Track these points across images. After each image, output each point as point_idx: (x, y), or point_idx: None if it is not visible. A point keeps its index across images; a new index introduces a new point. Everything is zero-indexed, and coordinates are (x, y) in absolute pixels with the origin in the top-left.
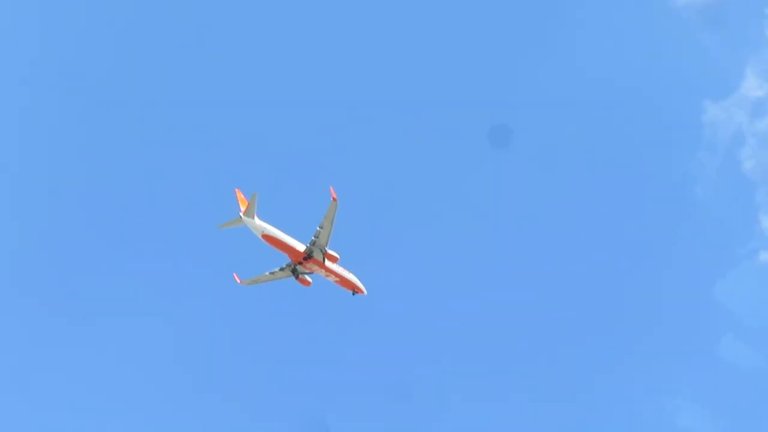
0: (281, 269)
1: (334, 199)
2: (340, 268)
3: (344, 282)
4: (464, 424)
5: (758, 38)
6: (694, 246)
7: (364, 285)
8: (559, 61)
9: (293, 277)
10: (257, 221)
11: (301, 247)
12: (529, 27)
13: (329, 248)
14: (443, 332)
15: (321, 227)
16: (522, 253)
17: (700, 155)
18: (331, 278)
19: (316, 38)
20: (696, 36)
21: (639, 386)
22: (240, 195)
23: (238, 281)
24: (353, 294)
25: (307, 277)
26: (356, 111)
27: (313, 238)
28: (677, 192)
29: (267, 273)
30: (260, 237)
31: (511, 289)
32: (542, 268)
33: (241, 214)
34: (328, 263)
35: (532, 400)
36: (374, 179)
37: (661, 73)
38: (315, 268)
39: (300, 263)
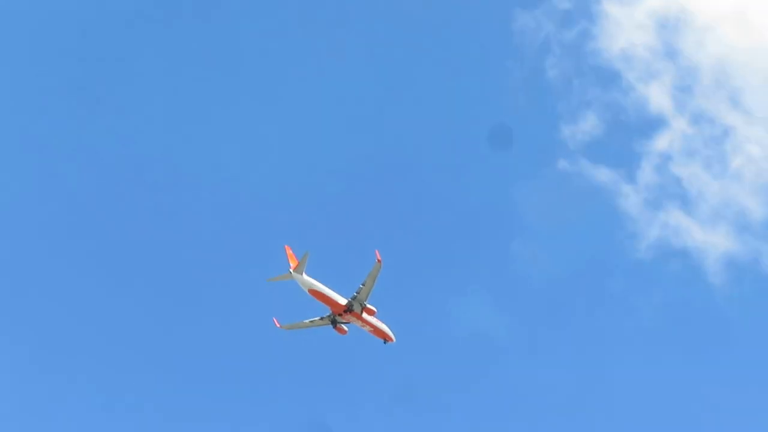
0: (321, 318)
1: (378, 261)
2: (376, 319)
3: (377, 332)
4: None
5: None
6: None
7: (394, 334)
8: None
9: (331, 326)
10: (305, 277)
11: (343, 301)
12: None
13: (368, 303)
14: None
15: (363, 284)
16: None
17: (508, 64)
18: (367, 328)
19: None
20: None
21: (433, 287)
22: (289, 251)
23: (278, 325)
24: (384, 342)
25: (344, 327)
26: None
27: (355, 293)
28: (485, 99)
29: (307, 321)
30: (307, 291)
31: None
32: None
33: (291, 270)
34: (365, 315)
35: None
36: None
37: None
38: (353, 319)
39: (340, 314)
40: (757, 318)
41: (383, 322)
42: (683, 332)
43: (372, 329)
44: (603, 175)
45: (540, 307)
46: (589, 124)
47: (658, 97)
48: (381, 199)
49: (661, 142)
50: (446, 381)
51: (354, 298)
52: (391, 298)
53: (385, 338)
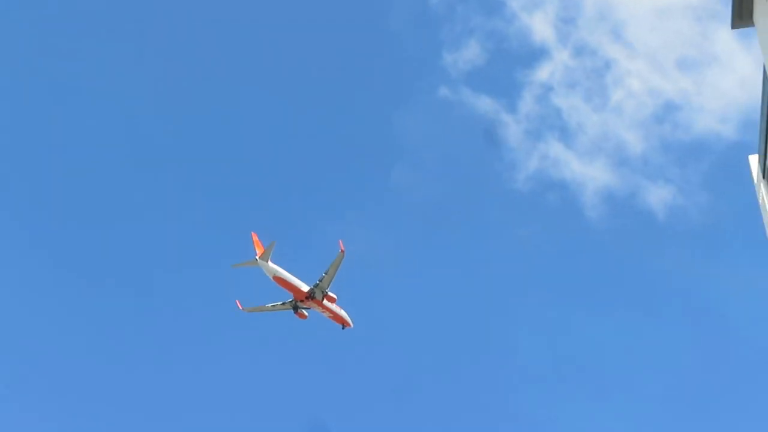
0: (283, 303)
1: (342, 251)
2: (336, 306)
3: (336, 317)
4: None
5: None
6: (381, 77)
7: (352, 320)
8: None
9: (292, 311)
10: (270, 264)
11: (305, 288)
12: None
13: (329, 290)
14: None
15: (326, 273)
16: None
17: None
18: (326, 314)
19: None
20: None
21: (314, 211)
22: (255, 238)
23: (240, 308)
24: (342, 328)
25: (305, 312)
26: None
27: (317, 281)
28: (366, 25)
29: (269, 305)
30: (271, 278)
31: None
32: None
33: (257, 257)
34: (326, 302)
35: None
36: None
37: None
38: (314, 305)
39: (302, 301)
40: (632, 251)
41: (342, 309)
42: (557, 264)
43: (331, 315)
44: (484, 103)
45: (418, 229)
46: (471, 53)
47: (541, 27)
48: (267, 126)
49: (543, 72)
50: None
51: (316, 285)
52: (276, 221)
53: (344, 324)
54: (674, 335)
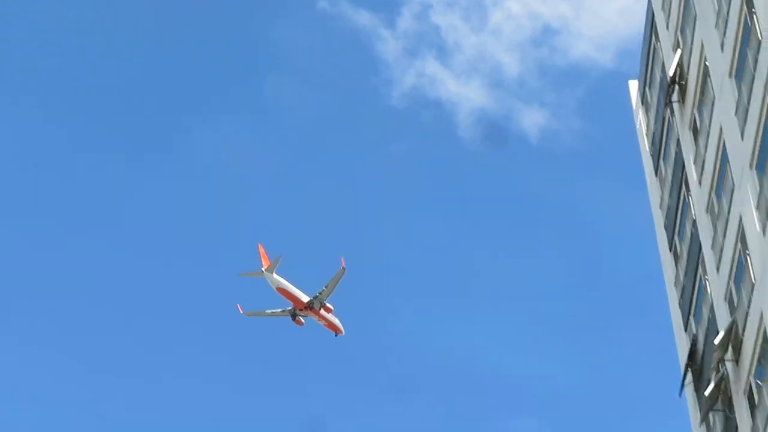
0: (282, 311)
1: (342, 268)
2: (331, 315)
3: (330, 325)
4: None
5: None
6: None
7: (344, 328)
8: None
9: (290, 318)
10: (275, 276)
11: (305, 299)
12: None
13: (326, 302)
14: None
15: (326, 287)
16: None
17: None
18: (322, 322)
19: None
20: None
21: (185, 115)
22: (262, 250)
23: (241, 311)
24: (335, 335)
25: (302, 319)
26: None
27: (317, 294)
28: None
29: (269, 311)
30: (275, 289)
31: None
32: None
33: (263, 269)
34: (323, 312)
35: None
36: None
37: None
38: (311, 314)
39: (301, 309)
40: (502, 174)
41: (337, 318)
42: (429, 183)
43: (326, 323)
44: (363, 18)
45: (294, 143)
46: None
47: None
48: (149, 37)
49: None
50: (195, 205)
51: (316, 297)
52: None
53: (336, 331)
54: (545, 255)
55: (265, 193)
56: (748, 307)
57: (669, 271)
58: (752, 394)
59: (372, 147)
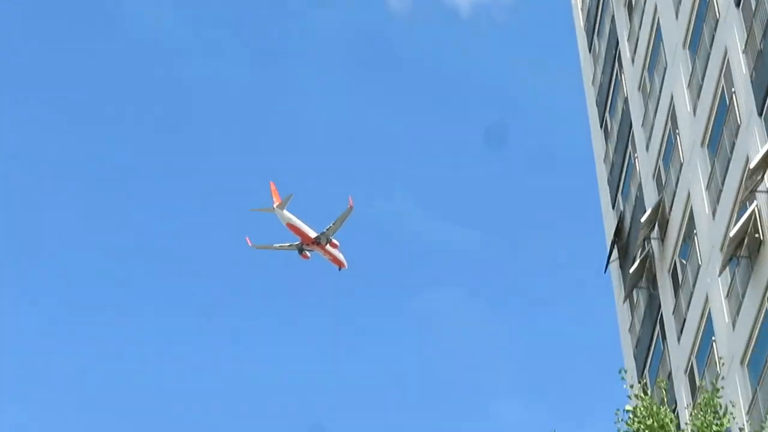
0: (290, 245)
1: (350, 207)
2: (336, 251)
3: (335, 260)
4: None
5: None
6: None
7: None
8: None
9: (297, 252)
10: (285, 213)
11: (313, 235)
12: None
13: (333, 237)
14: None
15: (333, 224)
16: None
17: None
18: (327, 257)
19: None
20: None
21: None
22: (273, 187)
23: (249, 244)
24: (339, 269)
25: (308, 254)
26: None
27: (324, 230)
28: None
29: (277, 245)
30: (285, 225)
31: None
32: None
33: (274, 206)
34: (329, 247)
35: None
36: None
37: None
38: (317, 249)
39: (308, 245)
40: (432, 48)
41: (341, 252)
42: (350, 49)
43: (331, 258)
44: None
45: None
46: None
47: None
48: None
49: None
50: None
51: (323, 233)
52: None
53: (340, 265)
54: (471, 128)
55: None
56: (676, 185)
57: (599, 147)
58: (676, 272)
59: (297, 13)
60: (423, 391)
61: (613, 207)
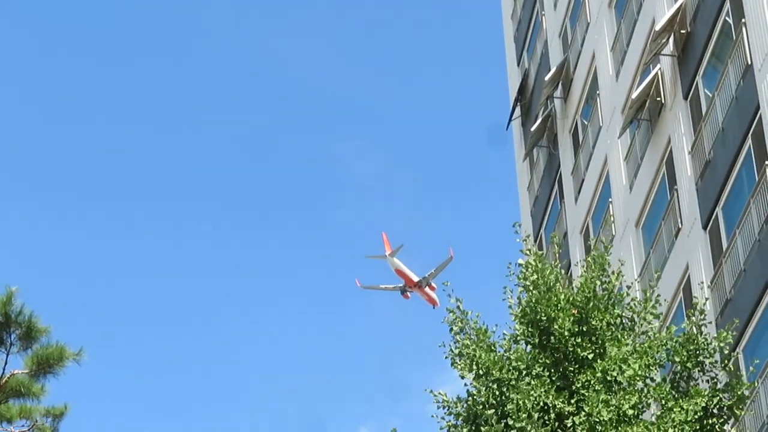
0: (394, 287)
1: (450, 257)
2: (433, 293)
3: (430, 300)
4: None
5: None
6: None
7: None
8: None
9: (399, 293)
10: (395, 260)
11: (416, 279)
12: None
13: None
14: None
15: (434, 270)
16: None
17: None
18: (424, 297)
19: None
20: None
21: None
22: (385, 238)
23: (358, 285)
24: (433, 308)
25: (409, 294)
26: None
27: (426, 275)
28: None
29: (383, 285)
30: (394, 270)
31: None
32: None
33: (387, 254)
34: (427, 289)
35: None
36: None
37: None
38: (417, 290)
39: (410, 287)
40: None
41: (435, 294)
42: None
43: (427, 298)
44: None
45: None
46: None
47: None
48: None
49: None
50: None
51: (424, 278)
52: None
53: (434, 304)
54: None
55: None
56: (582, 45)
57: (507, 4)
58: (577, 132)
59: None
60: None
61: (518, 64)
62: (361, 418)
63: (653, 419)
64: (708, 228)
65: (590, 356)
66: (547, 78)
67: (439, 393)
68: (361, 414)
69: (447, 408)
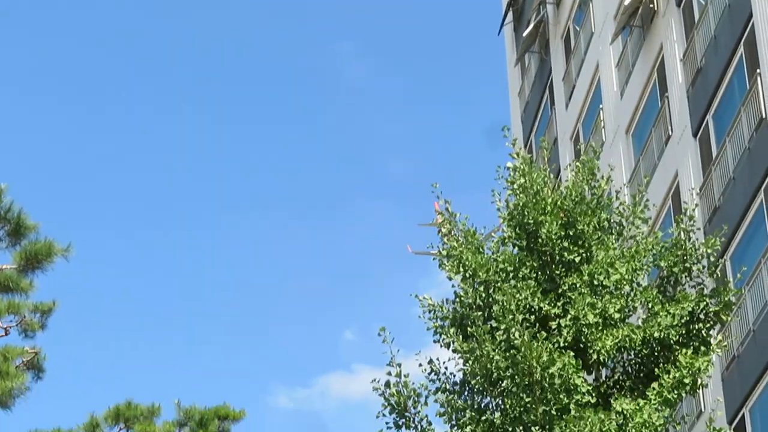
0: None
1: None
2: None
3: None
4: None
5: None
6: None
7: None
8: None
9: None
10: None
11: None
12: None
13: None
14: None
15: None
16: None
17: None
18: None
19: None
20: None
21: None
22: (437, 206)
23: (410, 251)
24: None
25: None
26: None
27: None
28: None
29: (434, 251)
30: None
31: None
32: None
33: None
34: None
35: None
36: None
37: None
38: None
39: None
40: None
41: None
42: None
43: None
44: None
45: None
46: None
47: None
48: None
49: None
50: None
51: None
52: None
53: None
54: None
55: None
56: None
57: None
58: (569, 38)
59: None
60: None
61: None
62: (346, 323)
63: (639, 323)
64: (698, 135)
65: (577, 260)
66: None
67: (425, 297)
68: (345, 318)
69: (433, 311)
